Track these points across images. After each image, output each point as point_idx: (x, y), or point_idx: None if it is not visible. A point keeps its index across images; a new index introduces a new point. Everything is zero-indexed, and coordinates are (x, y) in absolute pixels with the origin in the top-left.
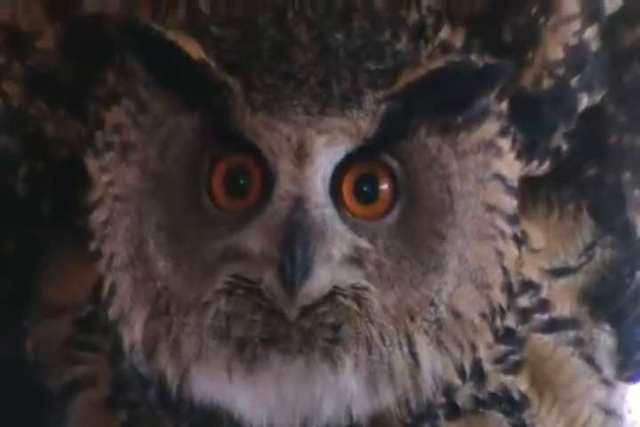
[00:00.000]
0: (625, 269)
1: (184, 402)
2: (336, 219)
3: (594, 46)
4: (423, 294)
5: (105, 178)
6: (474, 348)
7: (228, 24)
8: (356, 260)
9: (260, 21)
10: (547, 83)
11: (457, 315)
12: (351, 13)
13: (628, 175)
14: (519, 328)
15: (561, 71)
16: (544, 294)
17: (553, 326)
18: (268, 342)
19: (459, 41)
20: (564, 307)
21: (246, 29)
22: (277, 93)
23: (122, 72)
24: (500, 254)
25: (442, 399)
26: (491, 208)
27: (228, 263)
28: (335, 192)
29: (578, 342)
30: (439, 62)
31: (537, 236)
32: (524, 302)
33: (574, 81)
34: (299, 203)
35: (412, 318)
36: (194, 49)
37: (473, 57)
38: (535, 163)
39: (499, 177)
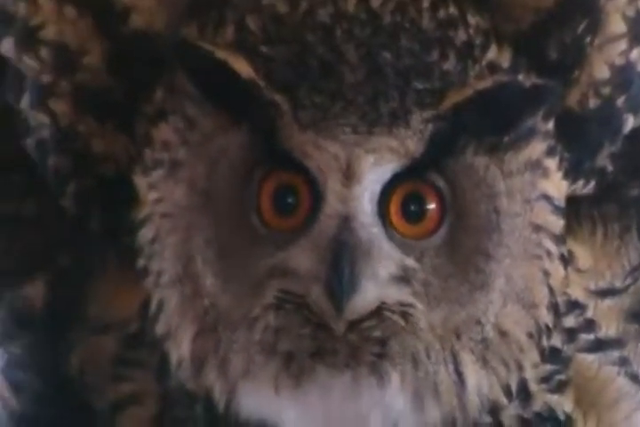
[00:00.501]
0: None
1: (231, 419)
2: (383, 238)
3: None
4: (469, 313)
5: (153, 195)
6: (520, 367)
7: (276, 43)
8: (403, 278)
9: (309, 40)
10: (593, 102)
11: (503, 334)
12: (399, 32)
13: None
14: (565, 348)
15: (607, 90)
16: (590, 314)
17: (598, 345)
18: (316, 356)
19: (506, 60)
20: (609, 327)
21: (295, 48)
22: (326, 112)
23: (170, 89)
24: (547, 274)
25: (487, 419)
26: (537, 228)
27: (276, 280)
28: (382, 211)
29: (623, 362)
30: (487, 82)
31: (583, 256)
32: (569, 321)
33: (620, 101)
34: (346, 222)
35: (459, 337)
36: (243, 68)
37: (520, 77)
38: (581, 182)
39: (545, 197)
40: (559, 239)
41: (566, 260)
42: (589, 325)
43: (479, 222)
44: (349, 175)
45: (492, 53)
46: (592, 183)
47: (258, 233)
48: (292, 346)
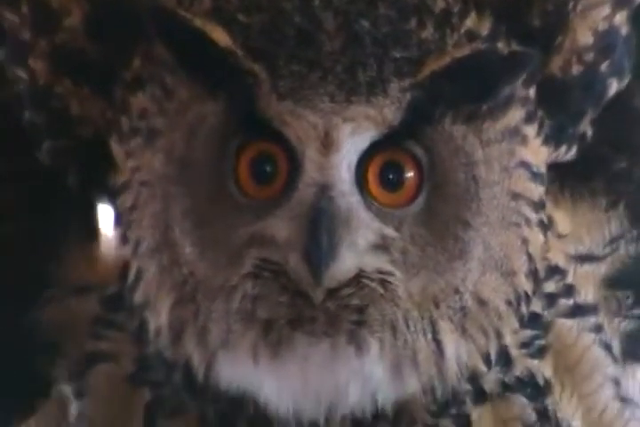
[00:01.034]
0: None
1: (210, 388)
2: (361, 207)
3: (623, 31)
4: (448, 282)
5: (131, 163)
6: (499, 335)
7: (253, 11)
8: (381, 246)
9: (287, 8)
10: (576, 68)
11: (482, 302)
12: (377, 0)
13: None
14: (545, 313)
15: (590, 56)
16: (569, 279)
17: (577, 311)
18: (294, 323)
19: (485, 28)
20: (587, 293)
21: (272, 16)
22: (303, 81)
23: (148, 57)
24: (526, 241)
25: (467, 386)
26: (516, 196)
27: (254, 248)
28: (360, 180)
29: (598, 329)
30: (464, 50)
31: (563, 221)
32: (549, 287)
33: (604, 66)
34: (324, 191)
35: (437, 306)
36: (220, 36)
37: (499, 44)
38: (563, 148)
39: (524, 164)
40: (538, 206)
41: (546, 226)
42: (569, 290)
43: (457, 191)
44: (327, 144)
45: (470, 21)
46: (574, 149)
47: (236, 202)
48: (270, 314)
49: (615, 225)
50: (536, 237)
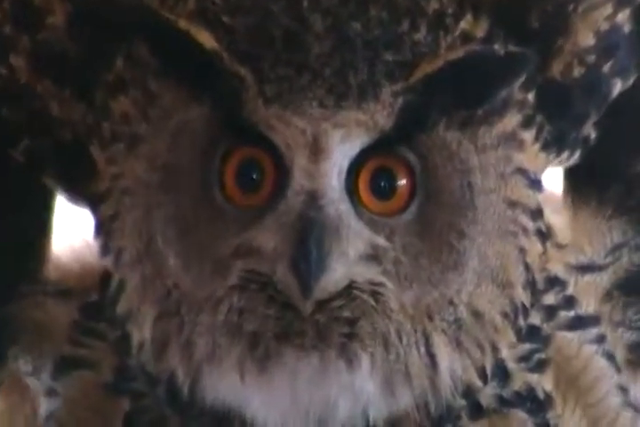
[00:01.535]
0: None
1: (194, 404)
2: (352, 215)
3: (626, 29)
4: (442, 293)
5: (112, 170)
6: (495, 348)
7: (239, 12)
8: (373, 256)
9: (274, 9)
10: (577, 71)
11: (477, 315)
12: (368, 2)
13: None
14: (544, 326)
15: (592, 58)
16: (570, 290)
17: (578, 323)
18: (282, 337)
19: (481, 31)
20: (589, 304)
21: (259, 18)
22: (291, 85)
23: (131, 60)
24: (523, 251)
25: (462, 401)
26: (512, 204)
27: (241, 259)
28: (351, 188)
29: (600, 340)
30: (458, 53)
31: (563, 230)
32: (549, 299)
33: (607, 67)
34: (313, 199)
35: (431, 318)
36: (206, 39)
37: (495, 47)
38: (566, 153)
39: (521, 171)
40: (535, 214)
41: (544, 235)
42: (569, 301)
43: (452, 199)
44: (316, 150)
45: (465, 23)
46: (577, 154)
47: (221, 211)
48: (257, 327)
49: (617, 233)
50: (534, 246)
